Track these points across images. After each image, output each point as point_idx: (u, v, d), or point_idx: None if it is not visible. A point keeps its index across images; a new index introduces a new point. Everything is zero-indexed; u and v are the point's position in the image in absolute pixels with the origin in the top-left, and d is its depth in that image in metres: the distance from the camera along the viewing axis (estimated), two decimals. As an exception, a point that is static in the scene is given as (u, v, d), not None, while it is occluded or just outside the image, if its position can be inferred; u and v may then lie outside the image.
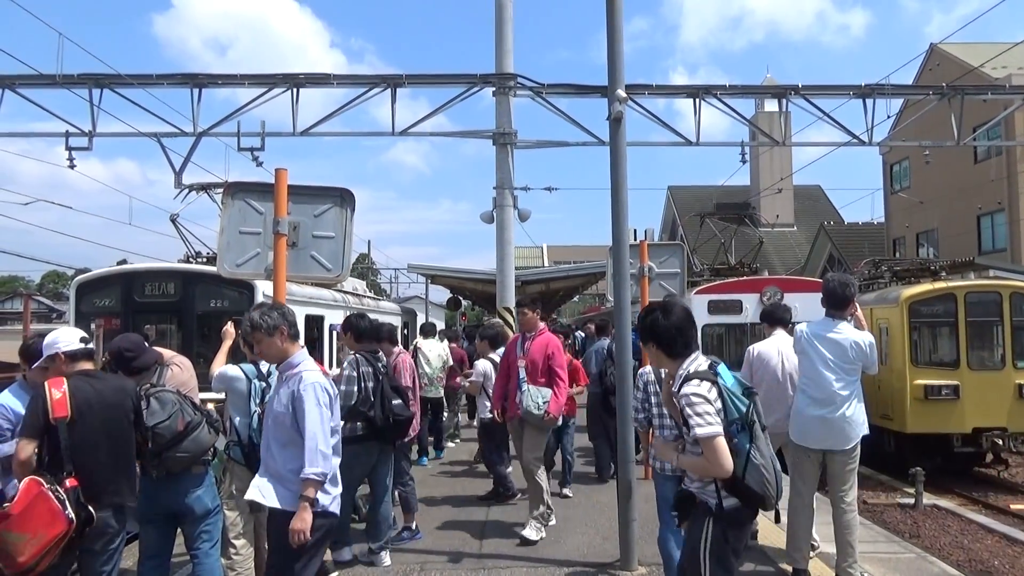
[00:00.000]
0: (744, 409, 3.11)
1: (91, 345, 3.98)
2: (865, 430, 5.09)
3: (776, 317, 6.11)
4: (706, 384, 3.14)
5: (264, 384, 4.50)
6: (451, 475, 8.83)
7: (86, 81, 13.10)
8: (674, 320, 3.36)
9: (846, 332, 5.06)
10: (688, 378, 3.19)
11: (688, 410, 3.09)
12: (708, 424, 3.03)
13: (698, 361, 3.31)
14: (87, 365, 3.91)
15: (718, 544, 3.15)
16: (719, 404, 3.10)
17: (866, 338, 5.07)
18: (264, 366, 4.58)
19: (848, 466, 5.07)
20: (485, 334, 8.37)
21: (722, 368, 3.24)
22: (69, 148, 13.24)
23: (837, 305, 5.15)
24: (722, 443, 3.03)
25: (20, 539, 3.32)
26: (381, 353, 5.86)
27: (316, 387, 3.57)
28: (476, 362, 8.21)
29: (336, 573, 5.26)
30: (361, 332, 5.80)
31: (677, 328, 3.34)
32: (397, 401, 5.61)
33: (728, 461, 3.02)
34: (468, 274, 21.25)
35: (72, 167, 13.27)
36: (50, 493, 3.44)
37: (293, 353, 3.69)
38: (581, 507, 7.44)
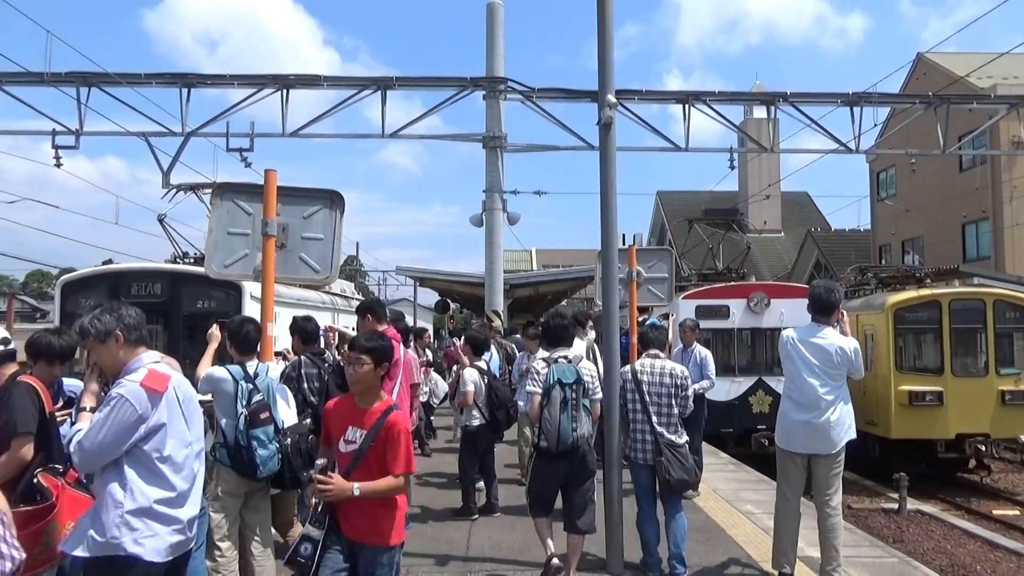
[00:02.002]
0: (551, 385, 5.08)
1: (12, 346, 4.10)
2: (852, 434, 5.12)
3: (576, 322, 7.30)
4: (542, 363, 5.27)
5: (251, 386, 4.48)
6: (438, 485, 8.81)
7: (74, 79, 13.03)
8: (552, 325, 5.53)
9: (831, 337, 5.10)
10: (542, 359, 5.33)
11: (528, 374, 5.46)
12: (530, 385, 5.25)
13: (558, 352, 5.31)
14: (12, 367, 4.01)
15: (536, 467, 5.30)
16: (544, 376, 5.14)
17: (851, 344, 5.11)
18: (251, 367, 4.57)
19: (833, 471, 5.11)
20: (470, 338, 7.88)
21: (562, 365, 5.18)
22: (56, 147, 13.16)
23: (822, 311, 5.19)
24: (534, 397, 5.17)
25: (57, 529, 3.48)
26: (328, 354, 6.12)
27: (122, 400, 2.84)
28: (463, 372, 7.45)
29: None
30: (308, 334, 6.04)
31: (553, 329, 5.47)
32: None
33: (534, 409, 5.18)
34: (456, 277, 21.27)
35: (59, 166, 13.18)
36: (65, 483, 3.61)
37: (131, 359, 3.02)
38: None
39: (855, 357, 5.08)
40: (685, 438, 5.59)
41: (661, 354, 5.78)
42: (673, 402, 5.50)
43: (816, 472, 5.15)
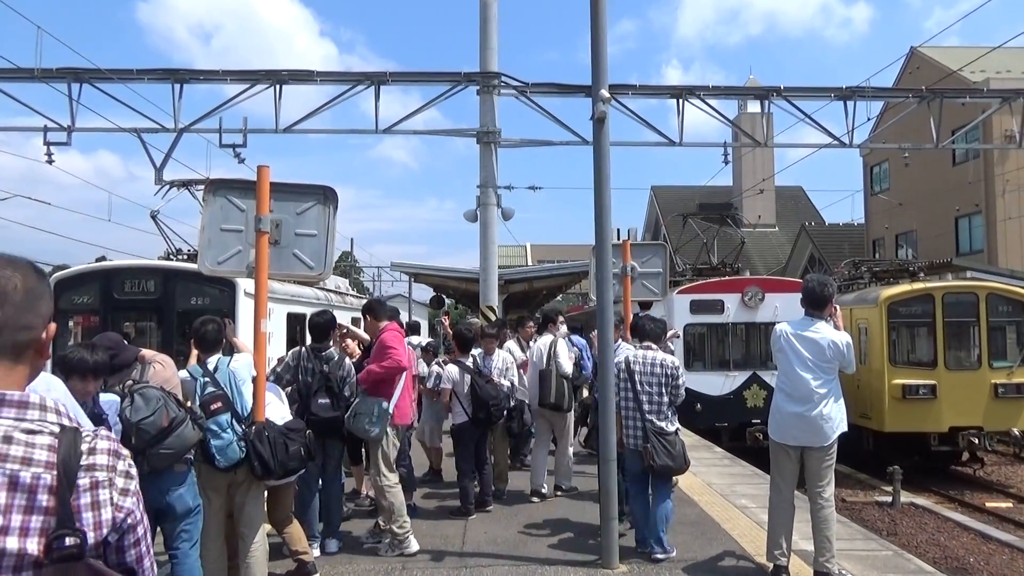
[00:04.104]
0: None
1: None
2: (844, 427, 5.16)
3: (547, 319, 8.37)
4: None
5: (206, 379, 4.48)
6: (433, 481, 8.80)
7: (65, 75, 12.93)
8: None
9: (824, 331, 5.12)
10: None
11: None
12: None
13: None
14: None
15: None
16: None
17: (843, 337, 5.14)
18: (211, 363, 4.57)
19: (825, 463, 5.13)
20: (457, 334, 7.59)
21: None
22: (47, 143, 13.07)
23: (815, 305, 5.21)
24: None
25: None
26: (333, 350, 6.06)
27: None
28: (445, 368, 7.42)
29: (319, 574, 5.24)
30: (313, 329, 6.06)
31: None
32: (323, 401, 5.71)
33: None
34: (451, 273, 21.20)
35: (50, 162, 13.09)
36: None
37: None
38: (563, 505, 7.47)
39: (847, 351, 5.11)
40: (675, 426, 5.79)
41: (654, 345, 5.98)
42: (664, 391, 5.73)
43: (809, 464, 5.18)
